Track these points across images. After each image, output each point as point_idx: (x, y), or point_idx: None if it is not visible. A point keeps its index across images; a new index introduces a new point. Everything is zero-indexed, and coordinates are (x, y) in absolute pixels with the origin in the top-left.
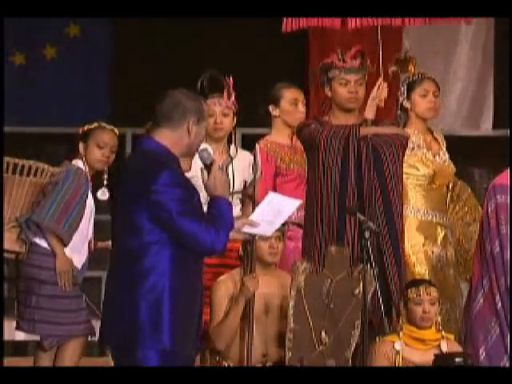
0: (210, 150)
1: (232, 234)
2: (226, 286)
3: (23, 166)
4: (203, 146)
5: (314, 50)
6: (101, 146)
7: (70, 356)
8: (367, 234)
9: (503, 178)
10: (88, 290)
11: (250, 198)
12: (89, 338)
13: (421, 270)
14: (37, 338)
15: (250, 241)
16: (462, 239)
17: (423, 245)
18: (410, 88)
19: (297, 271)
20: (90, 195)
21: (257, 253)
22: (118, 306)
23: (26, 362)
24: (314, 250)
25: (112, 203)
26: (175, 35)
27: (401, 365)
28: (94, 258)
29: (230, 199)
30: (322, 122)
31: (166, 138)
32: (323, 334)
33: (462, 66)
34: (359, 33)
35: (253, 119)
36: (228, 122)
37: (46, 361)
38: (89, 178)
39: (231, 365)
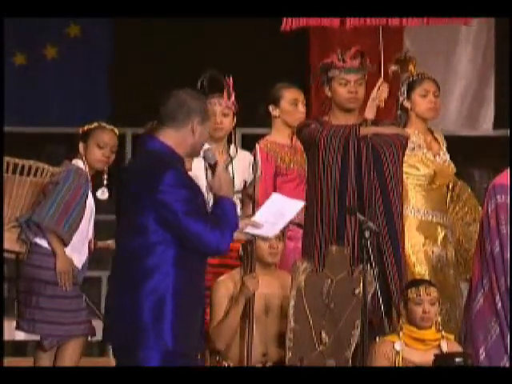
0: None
1: (235, 235)
2: (226, 286)
3: (23, 166)
4: (206, 146)
5: (315, 50)
6: (101, 145)
7: (70, 356)
8: (367, 234)
9: (503, 178)
10: (88, 290)
11: (250, 198)
12: (89, 338)
13: (421, 270)
14: (37, 337)
15: (250, 241)
16: (462, 239)
17: (423, 245)
18: (410, 88)
19: (297, 271)
20: (90, 195)
21: (257, 253)
22: (121, 306)
23: (25, 362)
24: (314, 249)
25: (116, 203)
26: (175, 35)
27: (401, 365)
28: (94, 258)
29: None
30: (321, 122)
31: (171, 137)
32: (323, 333)
33: (462, 66)
34: (360, 33)
35: (253, 119)
36: (228, 122)
37: (45, 361)
38: (89, 177)
39: (231, 365)
